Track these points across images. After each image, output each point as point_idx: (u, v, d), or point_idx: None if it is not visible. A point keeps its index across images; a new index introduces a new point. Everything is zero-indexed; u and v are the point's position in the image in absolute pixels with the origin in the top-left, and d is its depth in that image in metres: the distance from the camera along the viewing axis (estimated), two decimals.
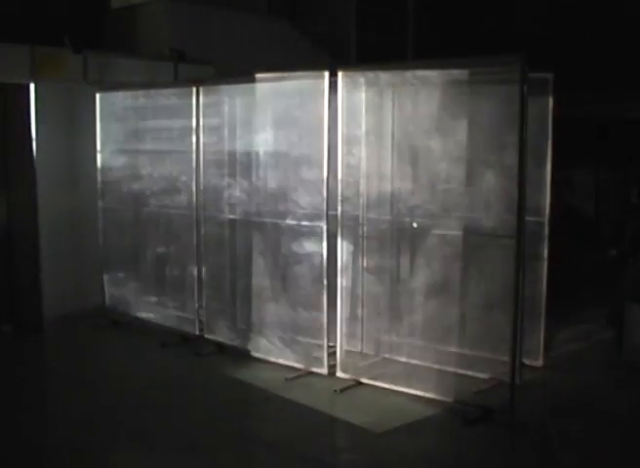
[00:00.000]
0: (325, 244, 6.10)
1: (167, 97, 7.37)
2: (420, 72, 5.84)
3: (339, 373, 6.16)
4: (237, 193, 6.86)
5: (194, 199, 7.11)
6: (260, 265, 6.77)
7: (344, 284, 6.20)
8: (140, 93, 7.64)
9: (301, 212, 6.35)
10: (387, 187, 6.17)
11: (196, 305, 7.18)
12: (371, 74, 6.13)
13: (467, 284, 5.79)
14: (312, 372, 6.23)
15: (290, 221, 6.43)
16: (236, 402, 5.89)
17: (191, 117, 7.02)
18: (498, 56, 5.22)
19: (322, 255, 6.12)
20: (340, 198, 6.13)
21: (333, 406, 5.73)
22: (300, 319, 6.42)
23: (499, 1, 10.86)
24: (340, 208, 6.15)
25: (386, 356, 6.35)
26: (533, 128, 5.55)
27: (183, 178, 7.24)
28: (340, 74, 6.03)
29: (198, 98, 6.98)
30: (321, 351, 6.18)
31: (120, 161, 7.87)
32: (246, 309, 6.94)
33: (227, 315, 7.08)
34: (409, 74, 5.94)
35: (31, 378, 6.46)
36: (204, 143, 7.03)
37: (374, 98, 6.15)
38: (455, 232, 5.77)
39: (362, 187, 6.22)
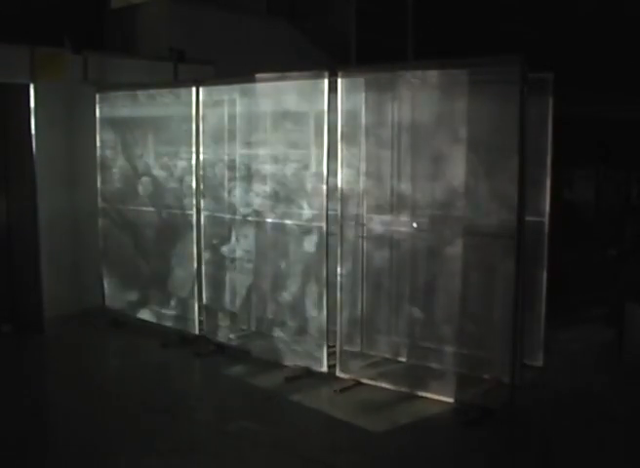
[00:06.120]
0: (325, 244, 6.11)
1: (167, 96, 7.38)
2: (419, 72, 5.85)
3: (338, 373, 6.16)
4: (237, 193, 6.87)
5: (194, 199, 7.12)
6: (260, 265, 6.77)
7: (344, 283, 6.20)
8: (141, 93, 7.64)
9: (301, 211, 6.36)
10: (387, 187, 6.17)
11: (196, 305, 7.18)
12: (371, 74, 6.13)
13: (467, 284, 5.78)
14: (312, 372, 6.23)
15: (290, 221, 6.43)
16: (236, 402, 5.89)
17: (191, 117, 7.02)
18: (497, 56, 5.22)
19: (322, 255, 6.13)
20: (339, 198, 6.14)
21: (333, 406, 5.72)
22: (299, 319, 6.42)
23: (499, 1, 10.86)
24: (339, 208, 6.15)
25: (386, 356, 6.35)
26: (533, 128, 5.56)
27: (183, 178, 7.25)
28: (339, 74, 6.03)
29: (198, 99, 6.98)
30: (321, 351, 6.18)
31: (120, 160, 7.87)
32: (246, 309, 6.95)
33: (227, 315, 7.08)
34: (409, 74, 5.94)
35: (31, 378, 6.46)
36: (203, 143, 7.03)
37: (374, 99, 6.15)
38: (455, 232, 5.76)
39: (362, 187, 6.22)
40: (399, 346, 6.28)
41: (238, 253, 6.96)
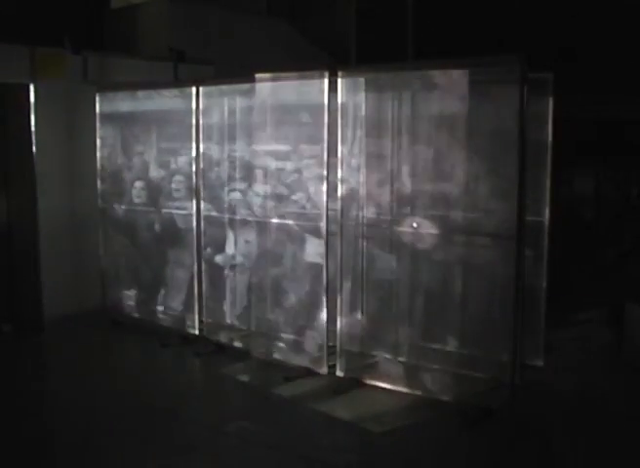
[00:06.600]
0: (325, 243, 6.11)
1: (167, 96, 7.38)
2: (420, 72, 5.85)
3: (338, 373, 6.16)
4: (237, 193, 6.87)
5: (194, 199, 7.12)
6: (259, 265, 6.77)
7: (344, 283, 6.20)
8: (141, 92, 7.64)
9: (301, 211, 6.36)
10: (387, 187, 6.17)
11: (196, 305, 7.18)
12: (371, 74, 6.13)
13: (467, 284, 5.78)
14: (312, 372, 6.23)
15: (290, 221, 6.44)
16: (235, 402, 5.89)
17: (191, 117, 7.02)
18: (498, 56, 5.22)
19: (322, 255, 6.13)
20: (340, 198, 6.14)
21: (333, 406, 5.72)
22: (299, 319, 6.42)
23: (499, 1, 10.86)
24: (339, 208, 6.15)
25: (386, 356, 6.34)
26: (533, 128, 5.55)
27: (183, 178, 7.25)
28: (339, 74, 6.03)
29: (198, 99, 6.98)
30: (321, 351, 6.18)
31: (120, 160, 7.87)
32: (246, 309, 6.95)
33: (227, 315, 7.08)
34: (409, 74, 5.94)
35: (31, 378, 6.46)
36: (203, 143, 7.03)
37: (374, 98, 6.15)
38: (455, 232, 5.76)
39: (362, 187, 6.22)
40: (399, 346, 6.28)
41: (238, 253, 6.96)
